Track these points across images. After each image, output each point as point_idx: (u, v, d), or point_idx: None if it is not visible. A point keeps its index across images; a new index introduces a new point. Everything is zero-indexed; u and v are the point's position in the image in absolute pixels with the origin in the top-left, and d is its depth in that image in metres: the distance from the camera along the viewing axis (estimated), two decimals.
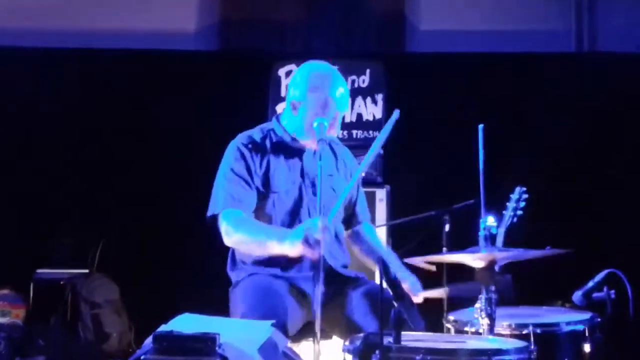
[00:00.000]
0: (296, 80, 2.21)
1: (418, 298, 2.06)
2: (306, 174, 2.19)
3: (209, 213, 2.16)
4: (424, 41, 4.26)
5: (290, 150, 2.21)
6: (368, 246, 2.32)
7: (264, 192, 2.16)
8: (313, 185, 2.18)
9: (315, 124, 2.14)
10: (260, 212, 2.17)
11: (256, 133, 2.27)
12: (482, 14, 4.27)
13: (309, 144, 2.22)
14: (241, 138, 2.26)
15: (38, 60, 4.03)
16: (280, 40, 4.28)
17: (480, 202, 2.00)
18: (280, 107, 3.75)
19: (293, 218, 2.15)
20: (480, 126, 2.00)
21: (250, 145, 2.21)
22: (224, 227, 2.11)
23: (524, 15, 4.25)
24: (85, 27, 4.18)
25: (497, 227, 2.07)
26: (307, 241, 1.91)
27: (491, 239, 1.95)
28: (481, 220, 1.93)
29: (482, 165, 1.96)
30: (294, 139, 2.22)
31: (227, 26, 4.31)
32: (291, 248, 1.97)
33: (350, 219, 2.36)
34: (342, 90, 2.17)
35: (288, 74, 3.76)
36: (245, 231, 2.09)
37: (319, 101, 2.14)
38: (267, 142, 2.23)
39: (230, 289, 2.23)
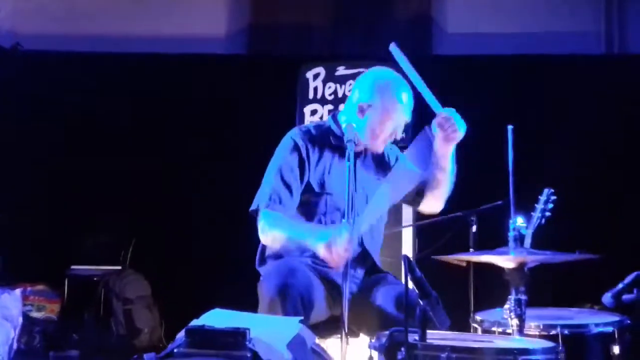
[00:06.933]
0: (363, 84, 2.16)
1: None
2: (359, 178, 2.13)
3: (253, 206, 2.15)
4: (451, 44, 4.25)
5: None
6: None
7: (319, 192, 2.14)
8: (362, 190, 2.16)
9: (344, 125, 2.15)
10: (313, 209, 2.14)
11: (313, 128, 2.22)
12: (510, 16, 4.24)
13: (369, 147, 2.18)
14: (298, 131, 2.20)
15: (72, 63, 4.12)
16: (308, 44, 4.32)
17: (510, 203, 1.99)
18: (308, 109, 3.81)
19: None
20: (510, 127, 2.00)
21: (307, 139, 2.16)
22: (260, 225, 2.11)
23: (553, 17, 4.21)
24: (117, 31, 4.28)
25: (526, 228, 2.06)
26: (329, 248, 1.90)
27: (520, 240, 1.95)
28: (510, 221, 1.92)
29: (512, 166, 1.96)
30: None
31: (257, 30, 4.37)
32: (317, 249, 1.95)
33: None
34: (407, 95, 2.15)
35: (316, 76, 3.81)
36: (279, 228, 2.08)
37: (387, 105, 2.11)
38: (325, 141, 2.18)
39: (258, 283, 2.23)
